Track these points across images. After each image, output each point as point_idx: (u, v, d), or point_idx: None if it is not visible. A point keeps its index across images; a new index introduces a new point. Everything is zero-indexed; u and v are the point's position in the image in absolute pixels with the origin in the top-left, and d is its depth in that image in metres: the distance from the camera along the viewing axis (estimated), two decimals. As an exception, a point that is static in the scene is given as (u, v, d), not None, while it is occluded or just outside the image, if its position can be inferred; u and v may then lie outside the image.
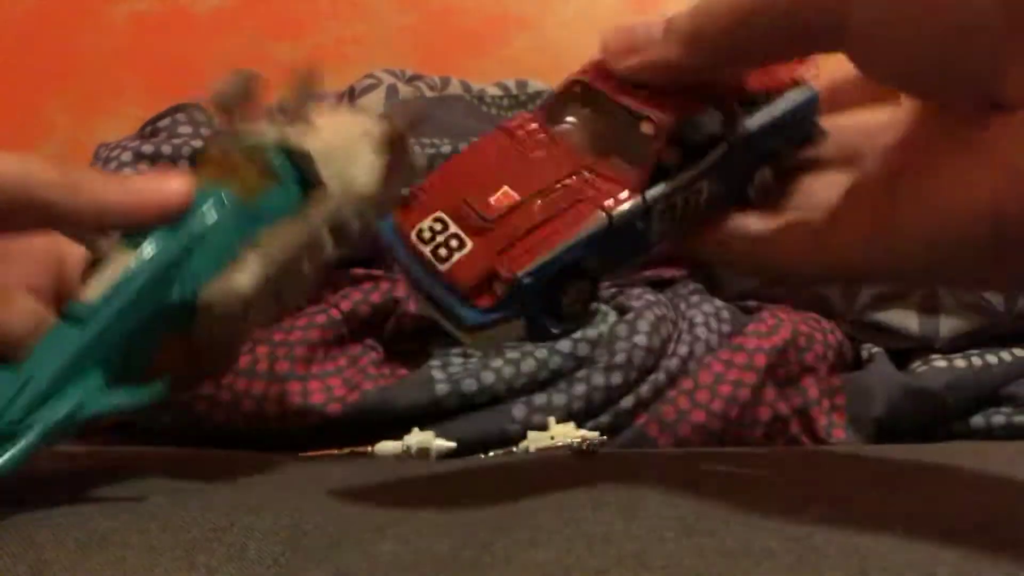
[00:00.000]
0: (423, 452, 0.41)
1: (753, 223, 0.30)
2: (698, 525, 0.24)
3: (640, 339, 0.46)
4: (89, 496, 0.28)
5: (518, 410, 0.45)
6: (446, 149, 0.55)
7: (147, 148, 0.55)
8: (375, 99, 0.67)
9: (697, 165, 0.28)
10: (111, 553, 0.23)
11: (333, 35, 1.05)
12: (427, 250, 0.27)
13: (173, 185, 0.30)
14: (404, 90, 0.69)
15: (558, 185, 0.28)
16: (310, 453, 0.43)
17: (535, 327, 0.27)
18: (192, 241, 0.30)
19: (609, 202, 0.27)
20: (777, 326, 0.48)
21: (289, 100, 0.35)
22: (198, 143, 0.56)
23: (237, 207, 0.31)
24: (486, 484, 0.31)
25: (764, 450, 0.40)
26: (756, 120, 0.29)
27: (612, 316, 0.49)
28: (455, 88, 0.73)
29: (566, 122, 0.30)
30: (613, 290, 0.52)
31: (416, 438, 0.42)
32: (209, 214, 0.30)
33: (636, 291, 0.51)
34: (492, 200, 0.27)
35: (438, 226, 0.28)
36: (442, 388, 0.46)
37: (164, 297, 0.29)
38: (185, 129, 0.59)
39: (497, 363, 0.46)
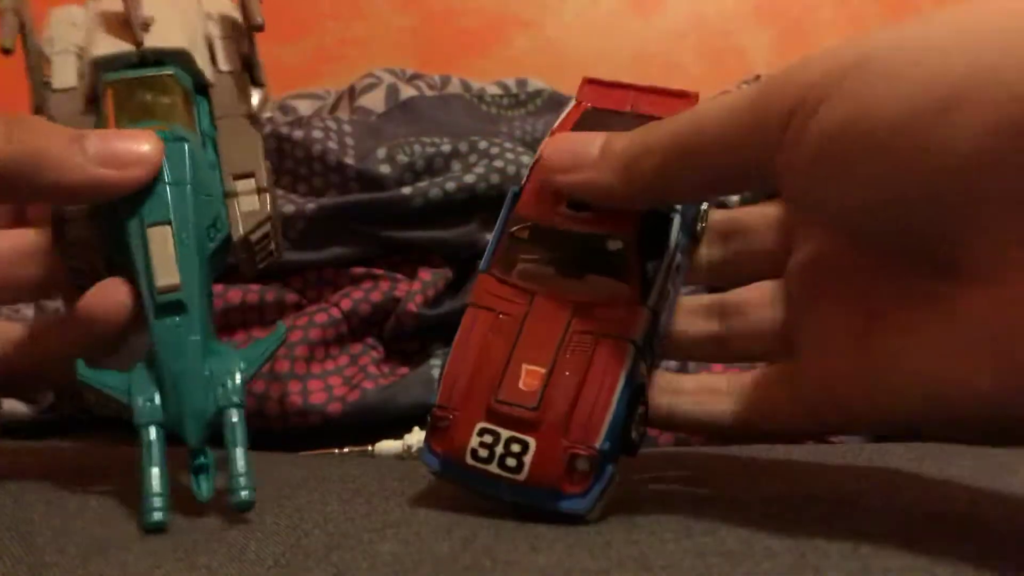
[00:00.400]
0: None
1: (723, 385, 0.31)
2: (698, 526, 0.24)
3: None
4: (90, 497, 0.28)
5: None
6: (446, 148, 0.55)
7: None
8: (375, 98, 0.67)
9: (668, 249, 0.29)
10: (112, 555, 0.23)
11: (334, 36, 1.05)
12: (493, 468, 0.26)
13: (145, 147, 0.29)
14: (405, 89, 0.69)
15: (569, 335, 0.27)
16: (310, 453, 0.43)
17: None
18: (200, 188, 0.30)
19: (627, 330, 0.27)
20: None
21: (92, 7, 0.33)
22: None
23: (198, 141, 0.31)
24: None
25: (765, 449, 0.40)
26: None
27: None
28: (455, 87, 0.73)
29: (524, 262, 0.29)
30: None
31: (417, 437, 0.42)
32: (192, 161, 0.30)
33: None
34: (522, 385, 0.27)
35: (488, 438, 0.27)
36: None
37: (207, 250, 0.30)
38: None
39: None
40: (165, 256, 0.29)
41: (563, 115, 0.32)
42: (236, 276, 0.52)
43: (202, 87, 0.33)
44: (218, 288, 0.50)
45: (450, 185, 0.52)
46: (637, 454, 0.28)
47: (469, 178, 0.53)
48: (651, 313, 0.28)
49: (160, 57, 0.33)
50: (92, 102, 0.33)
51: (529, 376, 0.27)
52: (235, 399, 0.28)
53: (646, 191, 0.26)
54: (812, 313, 0.28)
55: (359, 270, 0.52)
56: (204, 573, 0.22)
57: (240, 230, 0.31)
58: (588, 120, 0.31)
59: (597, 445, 0.26)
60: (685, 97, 0.31)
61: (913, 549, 0.21)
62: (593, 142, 0.27)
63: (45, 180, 0.27)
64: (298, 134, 0.55)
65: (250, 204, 0.31)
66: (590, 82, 0.32)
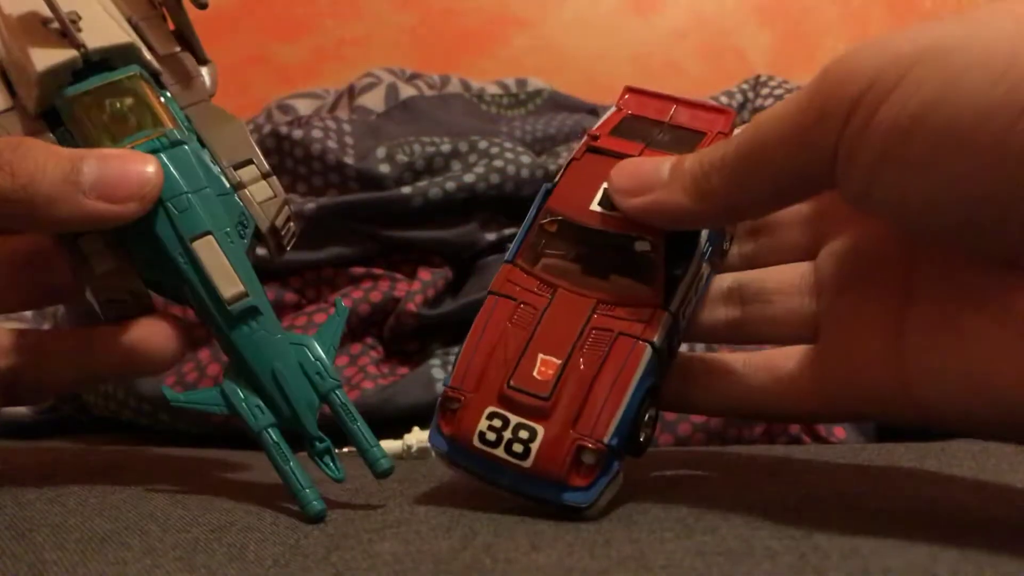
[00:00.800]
0: (424, 451, 0.41)
1: (748, 366, 0.30)
2: (698, 525, 0.24)
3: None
4: (89, 496, 0.28)
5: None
6: (446, 148, 0.55)
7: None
8: (375, 97, 0.67)
9: (695, 256, 0.29)
10: (111, 554, 0.23)
11: (333, 35, 1.05)
12: (499, 452, 0.26)
13: (147, 171, 0.27)
14: (404, 89, 0.69)
15: (588, 330, 0.27)
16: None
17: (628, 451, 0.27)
18: (216, 188, 0.30)
19: (646, 331, 0.27)
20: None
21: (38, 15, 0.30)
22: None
23: (193, 140, 0.30)
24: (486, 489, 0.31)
25: (765, 449, 0.40)
26: None
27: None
28: (455, 87, 0.73)
29: (550, 256, 0.29)
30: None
31: (416, 437, 0.42)
32: (199, 162, 0.29)
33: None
34: (536, 374, 0.27)
35: (497, 423, 0.27)
36: (442, 387, 0.46)
37: (245, 247, 0.30)
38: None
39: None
40: (220, 266, 0.28)
41: (602, 119, 0.32)
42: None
43: (156, 79, 0.31)
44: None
45: (450, 185, 0.52)
46: (642, 456, 0.28)
47: (469, 177, 0.53)
48: (672, 318, 0.28)
49: (106, 56, 0.30)
50: (41, 118, 0.30)
51: (544, 365, 0.27)
52: (335, 381, 0.28)
53: (717, 207, 0.26)
54: (843, 298, 0.28)
55: (358, 270, 0.52)
56: (204, 573, 0.22)
57: (266, 220, 0.30)
58: (626, 126, 0.31)
59: (605, 440, 0.26)
60: (724, 112, 0.31)
61: (913, 549, 0.21)
62: (662, 165, 0.27)
63: (39, 215, 0.26)
64: (297, 134, 0.55)
65: (263, 191, 0.31)
66: (631, 90, 0.32)
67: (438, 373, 0.47)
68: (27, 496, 0.28)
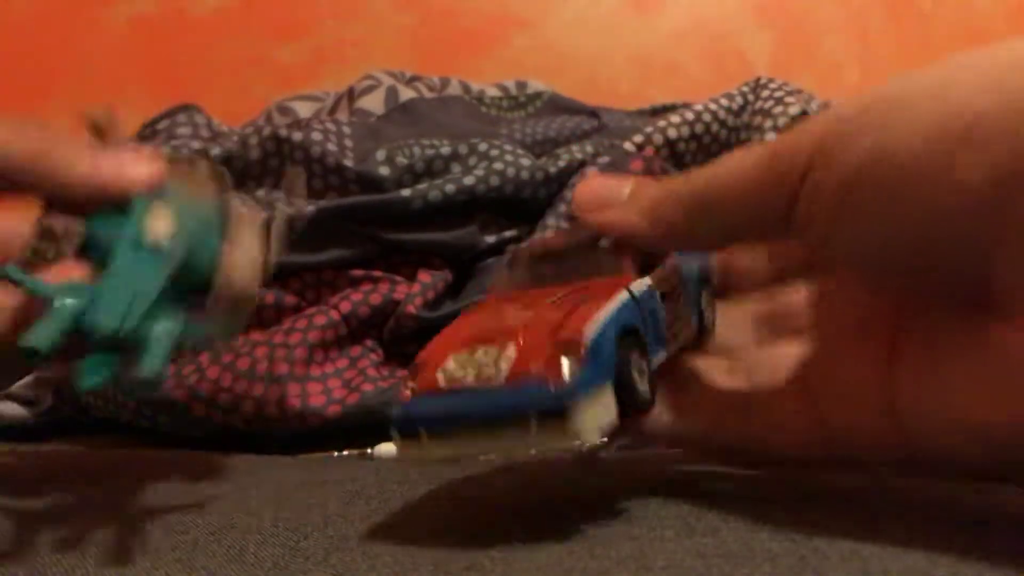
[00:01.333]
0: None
1: (730, 385, 0.30)
2: (699, 526, 0.24)
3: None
4: (88, 498, 0.28)
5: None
6: (445, 150, 0.55)
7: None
8: (374, 100, 0.67)
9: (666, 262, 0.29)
10: (111, 556, 0.23)
11: (333, 36, 1.05)
12: (469, 381, 0.23)
13: (142, 170, 0.30)
14: (404, 91, 0.69)
15: (563, 294, 0.26)
16: (309, 455, 0.43)
17: (624, 399, 0.24)
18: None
19: (620, 282, 0.27)
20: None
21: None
22: (197, 144, 0.56)
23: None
24: (486, 487, 0.31)
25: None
26: None
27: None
28: (454, 89, 0.73)
29: (537, 276, 0.29)
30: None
31: (416, 440, 0.42)
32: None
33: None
34: (509, 322, 0.25)
35: (465, 356, 0.24)
36: None
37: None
38: (184, 130, 0.59)
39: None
40: (162, 216, 0.29)
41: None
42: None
43: None
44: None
45: (449, 187, 0.52)
46: (649, 410, 0.26)
47: (469, 180, 0.53)
48: (650, 285, 0.27)
49: None
50: None
51: (517, 315, 0.25)
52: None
53: (668, 235, 0.27)
54: (835, 345, 0.28)
55: (358, 272, 0.52)
56: (203, 574, 0.22)
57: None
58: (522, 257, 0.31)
59: (584, 337, 0.23)
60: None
61: (913, 551, 0.21)
62: (624, 185, 0.29)
63: (51, 173, 0.29)
64: (297, 136, 0.55)
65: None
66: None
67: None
68: (27, 498, 0.28)
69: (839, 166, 0.22)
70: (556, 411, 0.22)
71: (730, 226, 0.26)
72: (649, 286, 0.28)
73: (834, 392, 0.27)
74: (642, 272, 0.28)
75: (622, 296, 0.26)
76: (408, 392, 0.24)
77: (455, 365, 0.24)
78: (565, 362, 0.22)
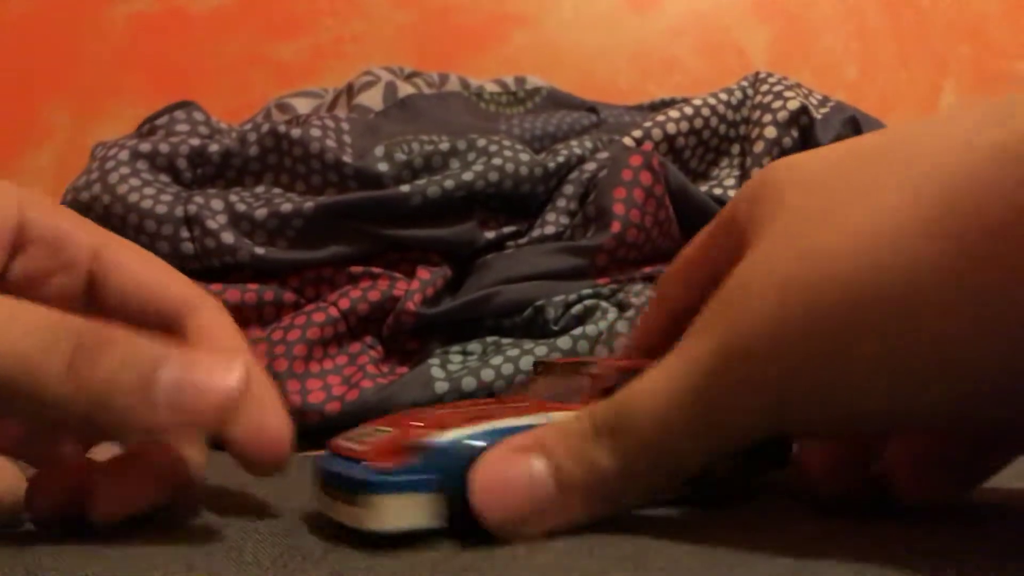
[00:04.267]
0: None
1: None
2: (697, 526, 0.24)
3: (640, 336, 0.46)
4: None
5: (518, 408, 0.45)
6: (444, 146, 0.55)
7: (144, 147, 0.55)
8: (373, 96, 0.67)
9: None
10: (109, 556, 0.23)
11: (332, 34, 1.05)
12: (353, 444, 0.25)
13: (230, 384, 0.24)
14: (403, 87, 0.68)
15: (509, 406, 0.27)
16: (309, 452, 0.43)
17: (457, 517, 0.23)
18: None
19: (554, 412, 0.25)
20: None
21: None
22: (196, 142, 0.55)
23: None
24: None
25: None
26: None
27: (612, 313, 0.49)
28: (453, 85, 0.73)
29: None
30: (613, 286, 0.51)
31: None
32: None
33: (636, 287, 0.51)
34: (427, 415, 0.26)
35: (371, 428, 0.26)
36: (441, 386, 0.46)
37: None
38: (183, 127, 0.59)
39: (497, 360, 0.46)
40: None
41: None
42: (234, 276, 0.52)
43: None
44: (216, 287, 0.50)
45: (448, 183, 0.52)
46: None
47: (468, 176, 0.53)
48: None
49: None
50: None
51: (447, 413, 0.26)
52: None
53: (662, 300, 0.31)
54: None
55: (357, 269, 0.52)
56: (202, 574, 0.22)
57: None
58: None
59: (437, 439, 0.23)
60: None
61: (913, 552, 0.21)
62: (540, 470, 0.24)
63: (103, 425, 0.23)
64: (296, 132, 0.55)
65: None
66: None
67: (437, 372, 0.47)
68: (25, 496, 0.28)
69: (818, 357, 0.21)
70: (359, 491, 0.23)
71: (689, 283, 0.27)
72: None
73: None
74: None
75: (535, 417, 0.25)
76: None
77: (356, 434, 0.26)
78: (402, 452, 0.23)
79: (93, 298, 0.29)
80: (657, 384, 0.23)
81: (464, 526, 0.23)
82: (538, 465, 0.23)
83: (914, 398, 0.21)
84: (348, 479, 0.23)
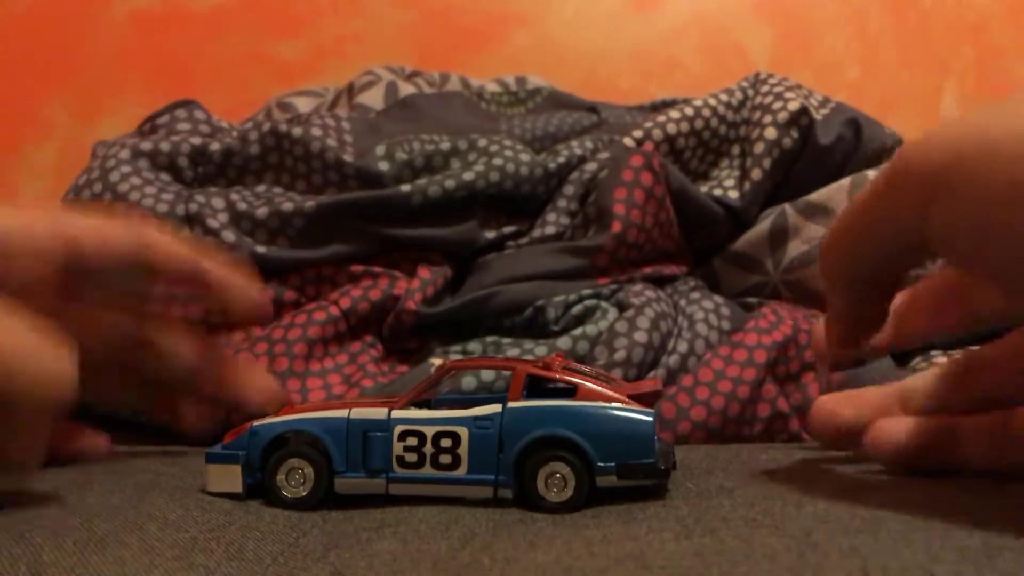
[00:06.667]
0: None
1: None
2: (697, 525, 0.24)
3: (640, 336, 0.46)
4: (88, 496, 0.28)
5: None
6: (445, 146, 0.55)
7: (145, 145, 0.55)
8: (374, 95, 0.67)
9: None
10: (110, 553, 0.23)
11: (332, 32, 1.05)
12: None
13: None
14: (404, 86, 0.68)
15: (369, 400, 0.32)
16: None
17: (256, 487, 0.30)
18: None
19: (359, 409, 0.30)
20: (777, 322, 0.48)
21: None
22: (197, 140, 0.56)
23: None
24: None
25: (762, 447, 0.40)
26: None
27: (612, 313, 0.49)
28: (454, 84, 0.73)
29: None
30: (613, 287, 0.51)
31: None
32: None
33: (636, 288, 0.51)
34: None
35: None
36: (441, 385, 0.46)
37: None
38: (184, 126, 0.59)
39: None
40: None
41: None
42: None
43: None
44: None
45: (449, 183, 0.52)
46: None
47: (468, 175, 0.53)
48: (387, 417, 0.30)
49: None
50: None
51: None
52: None
53: (839, 278, 0.30)
54: None
55: (358, 268, 0.52)
56: (202, 572, 0.22)
57: None
58: None
59: (255, 423, 0.30)
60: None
61: (912, 548, 0.21)
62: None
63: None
64: (297, 131, 0.55)
65: None
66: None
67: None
68: (26, 496, 0.28)
69: (982, 190, 0.23)
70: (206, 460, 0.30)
71: (879, 254, 0.28)
72: (389, 415, 0.29)
73: None
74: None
75: (335, 414, 0.30)
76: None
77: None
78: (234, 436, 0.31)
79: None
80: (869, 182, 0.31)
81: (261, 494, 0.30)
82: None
83: None
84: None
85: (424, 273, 0.51)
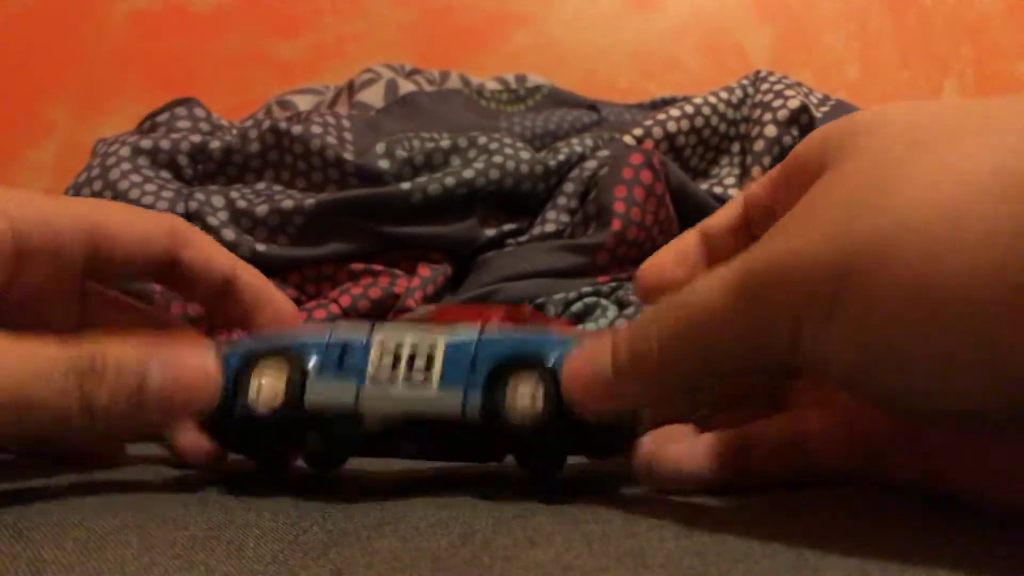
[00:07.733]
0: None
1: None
2: (697, 524, 0.24)
3: (640, 335, 0.46)
4: (88, 495, 0.28)
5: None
6: (445, 144, 0.55)
7: (145, 143, 0.55)
8: (374, 93, 0.67)
9: None
10: (109, 552, 0.23)
11: (333, 32, 1.05)
12: None
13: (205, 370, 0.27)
14: (404, 84, 0.68)
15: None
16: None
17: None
18: None
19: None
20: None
21: None
22: (197, 138, 0.55)
23: None
24: (486, 483, 0.31)
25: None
26: None
27: (612, 311, 0.49)
28: (454, 82, 0.73)
29: None
30: (613, 284, 0.51)
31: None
32: None
33: (636, 286, 0.51)
34: None
35: None
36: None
37: None
38: (184, 124, 0.59)
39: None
40: None
41: None
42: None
43: None
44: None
45: (449, 180, 0.52)
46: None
47: (468, 173, 0.53)
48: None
49: None
50: None
51: None
52: None
53: (672, 388, 0.26)
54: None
55: (358, 266, 0.52)
56: (202, 570, 0.22)
57: None
58: None
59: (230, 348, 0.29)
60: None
61: (912, 549, 0.21)
62: (605, 360, 0.26)
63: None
64: (297, 129, 0.55)
65: None
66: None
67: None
68: (25, 495, 0.28)
69: (880, 303, 0.20)
70: None
71: (719, 370, 0.25)
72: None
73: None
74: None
75: (323, 329, 0.29)
76: None
77: None
78: None
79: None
80: (712, 282, 0.24)
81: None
82: (607, 355, 0.26)
83: (953, 379, 0.20)
84: None
85: (424, 271, 0.51)
